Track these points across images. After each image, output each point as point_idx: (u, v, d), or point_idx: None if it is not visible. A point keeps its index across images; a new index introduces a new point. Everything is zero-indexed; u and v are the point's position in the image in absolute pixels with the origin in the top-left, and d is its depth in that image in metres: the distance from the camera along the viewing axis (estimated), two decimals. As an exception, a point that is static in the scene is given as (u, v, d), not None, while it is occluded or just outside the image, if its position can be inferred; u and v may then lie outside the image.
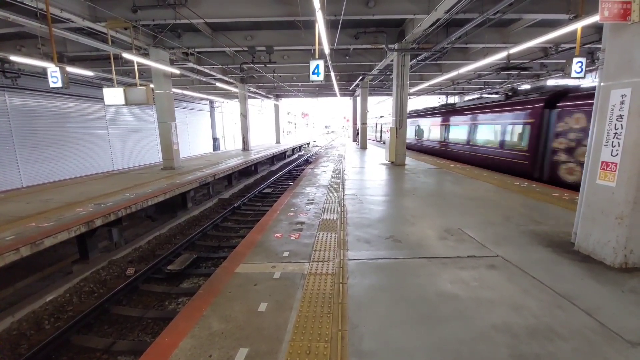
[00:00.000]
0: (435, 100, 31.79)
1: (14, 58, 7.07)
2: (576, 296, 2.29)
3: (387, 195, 5.82)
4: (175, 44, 8.50)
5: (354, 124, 24.18)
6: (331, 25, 7.01)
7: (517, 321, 2.01)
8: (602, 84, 2.78)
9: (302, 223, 4.08)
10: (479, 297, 2.28)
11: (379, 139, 24.05)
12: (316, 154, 21.71)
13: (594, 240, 2.88)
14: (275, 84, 16.91)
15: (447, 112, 11.84)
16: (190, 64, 10.14)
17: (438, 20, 6.68)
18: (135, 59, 7.35)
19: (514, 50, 7.80)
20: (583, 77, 6.79)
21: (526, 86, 13.46)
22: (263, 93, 20.51)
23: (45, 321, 3.65)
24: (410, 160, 11.19)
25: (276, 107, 24.45)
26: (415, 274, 2.66)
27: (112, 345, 3.14)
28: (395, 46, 8.78)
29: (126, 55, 7.13)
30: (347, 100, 26.71)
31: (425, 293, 2.36)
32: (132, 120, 15.93)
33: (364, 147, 17.78)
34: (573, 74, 6.48)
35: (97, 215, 4.79)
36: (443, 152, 11.99)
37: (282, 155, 19.36)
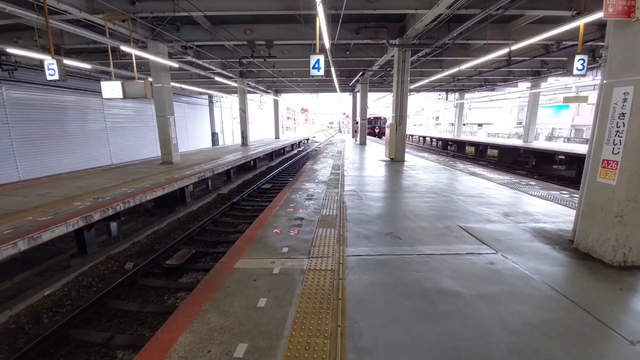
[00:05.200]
0: (435, 97, 31.80)
1: (10, 50, 6.98)
2: (575, 293, 2.29)
3: (387, 191, 5.81)
4: (174, 37, 8.41)
5: (354, 120, 24.12)
6: (332, 20, 6.95)
7: (516, 318, 2.01)
8: (604, 81, 2.76)
9: (301, 219, 4.07)
10: (478, 294, 2.29)
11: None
12: (315, 150, 21.67)
13: (593, 238, 2.88)
14: (275, 79, 16.81)
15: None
16: (189, 58, 10.05)
17: (439, 15, 6.62)
18: (134, 52, 7.27)
19: (516, 47, 7.77)
20: (584, 75, 6.78)
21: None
22: (262, 88, 20.39)
23: (44, 315, 3.65)
24: (410, 157, 11.19)
25: (275, 102, 24.33)
26: (415, 270, 2.66)
27: (111, 340, 3.14)
28: (396, 42, 8.72)
29: (124, 48, 7.06)
30: (347, 97, 26.64)
31: (424, 289, 2.36)
32: (131, 114, 15.80)
33: (363, 143, 17.76)
34: (575, 72, 6.47)
35: (95, 209, 4.76)
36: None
37: (281, 151, 19.30)
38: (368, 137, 20.39)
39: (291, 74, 15.73)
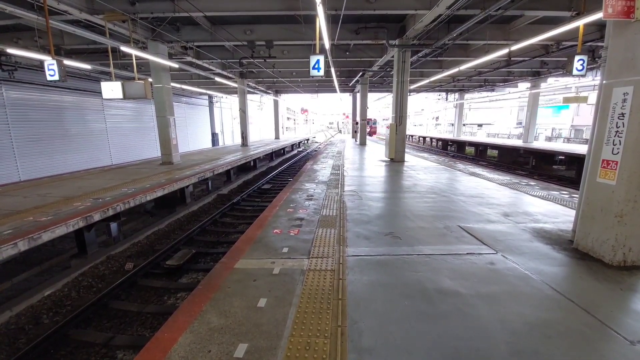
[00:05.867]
0: (435, 98, 31.84)
1: (10, 50, 6.99)
2: (575, 293, 2.29)
3: (387, 192, 5.81)
4: (174, 37, 8.42)
5: (354, 120, 24.14)
6: (332, 20, 6.96)
7: (516, 318, 2.01)
8: (604, 81, 2.76)
9: (301, 219, 4.07)
10: (478, 294, 2.29)
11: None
12: (315, 150, 21.68)
13: (592, 238, 2.88)
14: (275, 80, 16.82)
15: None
16: (189, 58, 10.05)
17: (439, 16, 6.63)
18: (134, 52, 7.28)
19: (515, 47, 7.77)
20: (584, 75, 6.79)
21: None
22: (262, 88, 20.40)
23: (44, 315, 3.65)
24: (410, 157, 11.20)
25: (275, 102, 24.34)
26: (415, 270, 2.66)
27: (111, 340, 3.14)
28: (396, 42, 8.72)
29: (124, 49, 7.07)
30: (347, 97, 26.67)
31: (424, 289, 2.36)
32: (131, 114, 15.82)
33: (363, 143, 17.77)
34: (574, 72, 6.47)
35: (95, 209, 4.77)
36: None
37: (281, 152, 19.30)
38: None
39: (291, 74, 15.73)
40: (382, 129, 50.23)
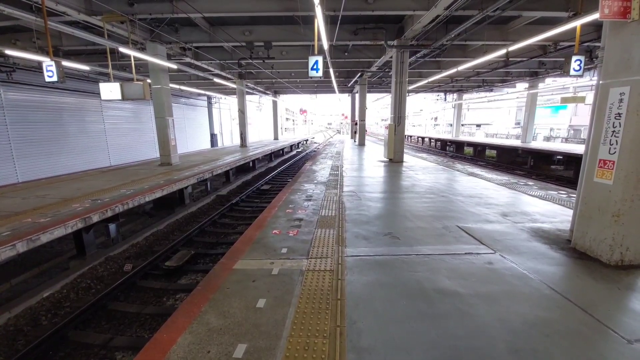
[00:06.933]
0: (434, 98, 31.93)
1: (8, 52, 6.96)
2: (572, 293, 2.30)
3: (385, 192, 5.82)
4: (173, 38, 8.42)
5: (352, 120, 24.17)
6: (330, 21, 6.97)
7: (514, 317, 2.02)
8: (600, 82, 2.78)
9: (300, 219, 4.08)
10: (477, 293, 2.30)
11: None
12: (314, 151, 21.68)
13: (590, 237, 2.90)
14: (274, 80, 16.82)
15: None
16: (188, 59, 10.04)
17: (437, 17, 6.65)
18: (132, 53, 7.27)
19: (513, 47, 7.79)
20: (581, 76, 6.82)
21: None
22: (261, 89, 20.40)
23: (42, 317, 3.64)
24: (408, 158, 11.21)
25: (274, 103, 24.34)
26: (414, 270, 2.66)
27: (110, 341, 3.13)
28: (395, 43, 8.74)
29: (123, 50, 7.05)
30: (346, 97, 26.70)
31: (423, 289, 2.37)
32: (129, 115, 15.79)
33: (361, 144, 17.78)
34: (572, 72, 6.50)
35: (93, 211, 4.76)
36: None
37: (280, 152, 19.29)
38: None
39: (290, 75, 15.74)
40: (371, 127, 56.49)
